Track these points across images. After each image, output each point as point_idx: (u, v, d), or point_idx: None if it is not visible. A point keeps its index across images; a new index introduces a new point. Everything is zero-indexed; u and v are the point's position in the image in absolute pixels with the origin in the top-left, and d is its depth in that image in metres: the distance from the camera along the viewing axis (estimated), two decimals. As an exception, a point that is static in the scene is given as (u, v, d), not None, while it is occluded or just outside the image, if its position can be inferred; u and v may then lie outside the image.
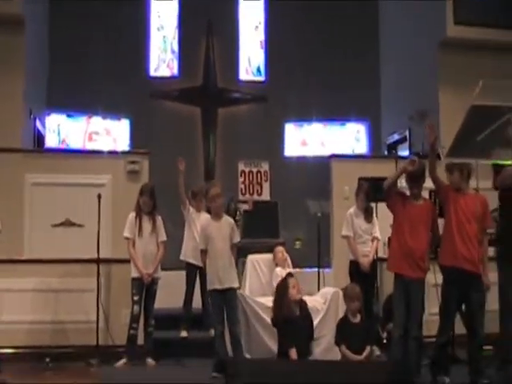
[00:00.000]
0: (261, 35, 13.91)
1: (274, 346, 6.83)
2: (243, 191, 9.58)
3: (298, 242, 10.66)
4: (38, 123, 11.09)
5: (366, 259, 7.64)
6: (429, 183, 6.25)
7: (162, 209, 7.71)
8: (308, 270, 8.54)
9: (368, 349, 6.52)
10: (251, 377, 3.06)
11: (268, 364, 3.57)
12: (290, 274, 6.94)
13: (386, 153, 12.06)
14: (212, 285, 6.69)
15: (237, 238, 6.89)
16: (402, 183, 6.41)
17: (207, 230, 6.80)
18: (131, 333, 7.21)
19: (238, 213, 9.27)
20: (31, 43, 10.29)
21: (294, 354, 6.32)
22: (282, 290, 6.75)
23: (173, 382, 6.46)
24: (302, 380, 2.91)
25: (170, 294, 8.02)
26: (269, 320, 6.85)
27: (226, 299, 6.67)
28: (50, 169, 8.17)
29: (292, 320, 6.55)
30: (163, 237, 7.49)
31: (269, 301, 7.01)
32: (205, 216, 7.94)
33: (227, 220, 6.92)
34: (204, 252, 6.81)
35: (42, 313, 7.74)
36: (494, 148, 4.27)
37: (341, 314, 6.93)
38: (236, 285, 6.82)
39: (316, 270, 8.46)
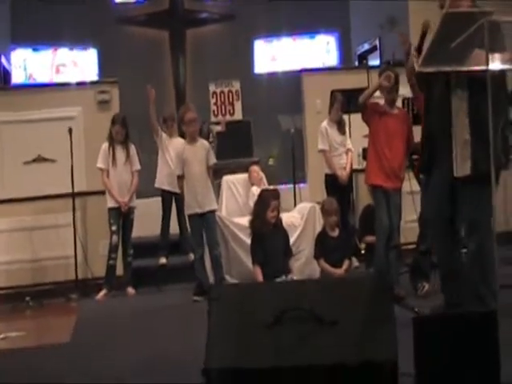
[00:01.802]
0: (224, -50, 13.35)
1: (253, 267, 6.76)
2: (215, 112, 9.43)
3: (271, 159, 10.49)
4: (3, 60, 10.74)
5: (344, 172, 7.53)
6: (402, 91, 6.03)
7: (134, 138, 7.59)
8: (283, 186, 8.43)
9: (347, 262, 6.50)
10: (234, 300, 2.98)
11: (251, 287, 3.51)
12: (273, 194, 6.69)
13: (356, 63, 11.80)
14: (191, 209, 6.62)
15: (213, 160, 6.81)
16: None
17: (183, 155, 6.69)
18: (110, 263, 7.15)
19: (211, 135, 9.12)
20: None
21: (258, 272, 6.30)
22: (259, 208, 6.60)
23: (154, 309, 6.43)
24: (290, 302, 2.85)
25: (147, 222, 7.96)
26: (248, 240, 6.72)
27: (205, 222, 6.61)
28: (17, 106, 7.91)
29: (263, 237, 6.45)
30: (137, 166, 7.40)
31: (246, 221, 6.87)
32: (178, 141, 7.83)
33: (202, 143, 6.83)
34: (181, 177, 6.72)
35: (19, 252, 7.60)
36: (469, 55, 4.12)
37: (318, 229, 6.87)
38: (215, 207, 6.78)
39: (291, 185, 8.38)
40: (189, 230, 7.58)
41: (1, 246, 7.56)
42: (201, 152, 6.71)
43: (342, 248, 6.53)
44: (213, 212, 6.70)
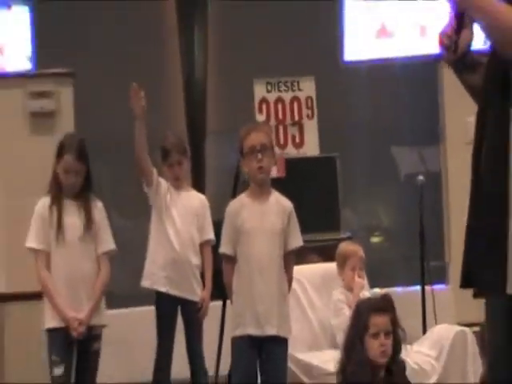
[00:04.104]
0: None
1: None
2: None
3: (376, 236, 10.79)
4: None
5: None
6: None
7: (104, 187, 7.98)
8: (399, 288, 8.72)
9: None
10: None
11: None
12: (377, 305, 6.62)
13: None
14: (241, 328, 6.78)
15: (298, 241, 7.02)
16: None
17: (239, 220, 6.87)
18: None
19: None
20: None
21: None
22: (353, 336, 6.52)
23: None
24: None
25: (128, 357, 8.26)
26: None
27: (268, 357, 6.81)
28: None
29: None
30: (108, 243, 7.46)
31: (328, 360, 7.07)
32: (192, 196, 8.30)
33: (280, 202, 7.02)
34: (230, 260, 6.91)
35: None
36: None
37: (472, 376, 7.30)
38: (287, 333, 6.90)
39: (416, 288, 8.59)
40: (210, 373, 8.11)
41: None
42: (275, 218, 6.90)
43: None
44: (283, 341, 6.85)
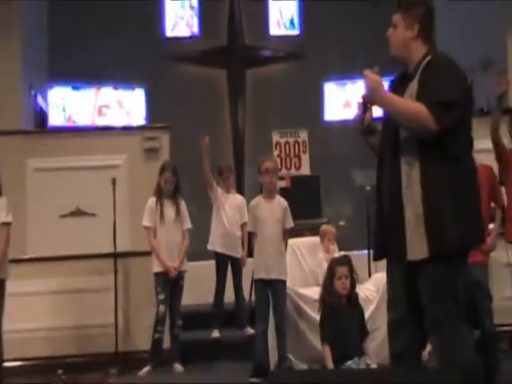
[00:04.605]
0: (293, -18, 13.76)
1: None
2: (279, 166, 9.52)
3: (342, 221, 10.57)
4: (39, 99, 11.13)
5: None
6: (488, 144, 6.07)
7: (185, 191, 7.76)
8: (356, 252, 8.46)
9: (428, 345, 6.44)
10: None
11: (316, 375, 3.50)
12: (343, 261, 6.72)
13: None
14: (258, 273, 6.86)
15: (290, 223, 7.02)
16: None
17: (256, 211, 6.93)
18: (156, 337, 7.22)
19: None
20: (29, 11, 10.34)
21: (327, 353, 6.23)
22: (329, 279, 6.62)
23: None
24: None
25: (199, 288, 8.14)
26: (315, 316, 6.73)
27: (274, 292, 6.79)
28: (55, 151, 8.20)
29: (334, 313, 6.44)
30: (188, 224, 7.50)
31: (314, 292, 6.95)
32: (236, 197, 8.27)
33: (280, 201, 7.05)
34: (253, 235, 6.96)
35: (50, 319, 7.76)
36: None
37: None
38: (285, 277, 6.92)
39: (366, 252, 8.40)
40: (246, 299, 7.88)
41: (29, 311, 7.61)
42: (277, 210, 6.94)
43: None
44: (282, 282, 6.86)
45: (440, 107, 3.70)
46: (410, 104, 3.80)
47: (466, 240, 3.82)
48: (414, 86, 3.86)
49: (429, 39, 4.01)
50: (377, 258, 4.16)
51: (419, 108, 3.72)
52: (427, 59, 3.91)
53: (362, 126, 4.11)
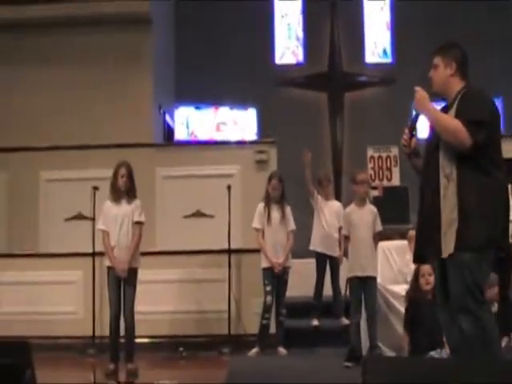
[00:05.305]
0: (386, 16, 13.70)
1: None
2: (372, 177, 9.50)
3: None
4: (167, 117, 11.43)
5: None
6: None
7: (290, 198, 7.73)
8: None
9: (506, 338, 6.29)
10: (389, 375, 3.00)
11: (406, 362, 3.47)
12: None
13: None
14: (353, 272, 6.81)
15: (379, 227, 6.96)
16: None
17: (350, 217, 6.91)
18: (264, 323, 7.28)
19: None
20: (159, 41, 10.68)
21: (405, 341, 6.19)
22: (413, 276, 6.52)
23: (304, 370, 6.53)
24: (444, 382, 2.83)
25: (301, 282, 8.06)
26: (402, 309, 6.62)
27: (366, 287, 6.77)
28: (179, 162, 8.44)
29: (418, 307, 6.32)
30: (292, 226, 7.48)
31: (402, 289, 6.83)
32: (334, 203, 8.21)
33: (370, 208, 7.02)
34: (347, 238, 6.93)
35: (175, 303, 7.91)
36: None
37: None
38: (376, 274, 6.90)
39: None
40: (342, 293, 7.81)
41: (158, 296, 7.81)
42: (368, 216, 6.90)
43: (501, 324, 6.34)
44: (374, 279, 6.84)
45: (473, 125, 3.89)
46: (451, 119, 3.98)
47: (491, 236, 3.94)
48: (452, 114, 4.02)
49: (465, 76, 4.18)
50: (415, 260, 4.37)
51: (458, 123, 3.91)
52: (462, 92, 4.09)
53: (408, 149, 4.29)
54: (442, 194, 4.01)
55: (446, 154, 4.02)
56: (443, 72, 4.15)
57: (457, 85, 4.13)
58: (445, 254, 3.99)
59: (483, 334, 3.93)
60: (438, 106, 4.21)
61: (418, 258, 4.28)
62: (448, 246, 3.96)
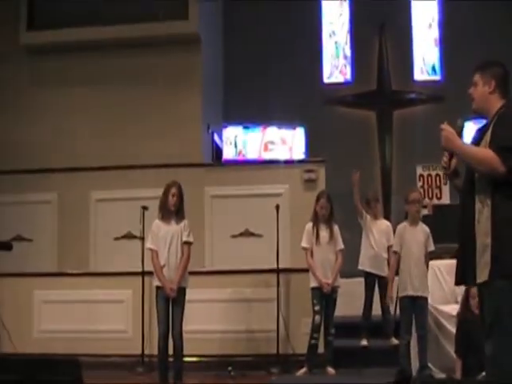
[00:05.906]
0: (435, 33, 13.60)
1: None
2: (422, 196, 9.41)
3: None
4: (215, 137, 11.50)
5: None
6: None
7: (338, 217, 7.70)
8: None
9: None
10: None
11: None
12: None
13: None
14: (404, 291, 6.79)
15: (431, 247, 6.95)
16: None
17: (403, 235, 6.92)
18: (312, 342, 7.24)
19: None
20: (207, 61, 10.76)
21: (458, 365, 6.14)
22: (464, 297, 6.56)
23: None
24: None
25: (350, 301, 8.07)
26: (453, 330, 6.65)
27: (418, 307, 6.73)
28: (228, 181, 8.51)
29: (469, 328, 6.26)
30: (340, 245, 7.45)
31: (453, 309, 6.83)
32: (383, 222, 8.19)
33: (423, 227, 7.00)
34: (397, 255, 6.93)
35: (223, 323, 7.92)
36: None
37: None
38: (428, 294, 6.85)
39: None
40: (391, 313, 7.77)
41: (207, 315, 7.87)
42: (420, 235, 6.90)
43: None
44: (425, 299, 6.79)
45: (505, 151, 3.82)
46: (479, 150, 3.95)
47: None
48: (488, 136, 3.97)
49: (505, 95, 4.11)
50: (456, 283, 4.27)
51: (486, 153, 3.86)
52: (500, 112, 4.02)
53: (449, 170, 4.24)
54: (476, 219, 3.97)
55: (480, 179, 3.99)
56: (482, 89, 4.11)
57: (496, 103, 4.08)
58: (479, 280, 3.92)
59: (507, 362, 3.79)
60: (479, 124, 4.19)
61: (459, 281, 4.21)
62: (483, 271, 3.89)
